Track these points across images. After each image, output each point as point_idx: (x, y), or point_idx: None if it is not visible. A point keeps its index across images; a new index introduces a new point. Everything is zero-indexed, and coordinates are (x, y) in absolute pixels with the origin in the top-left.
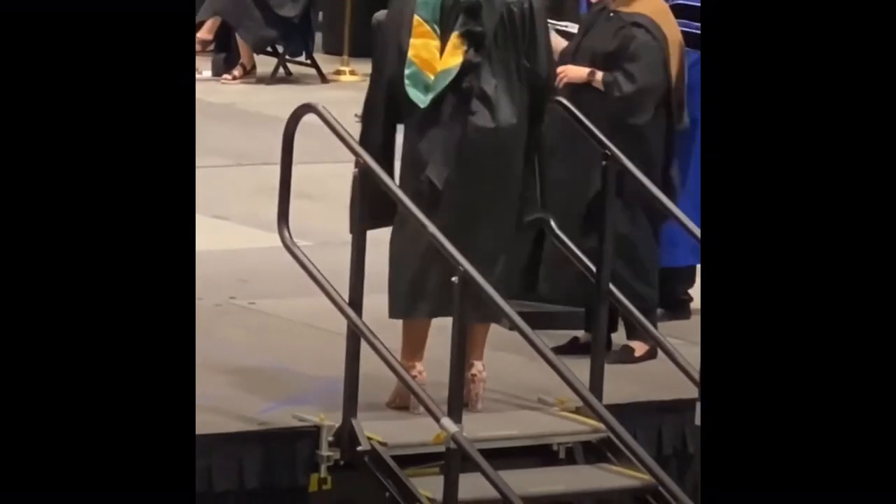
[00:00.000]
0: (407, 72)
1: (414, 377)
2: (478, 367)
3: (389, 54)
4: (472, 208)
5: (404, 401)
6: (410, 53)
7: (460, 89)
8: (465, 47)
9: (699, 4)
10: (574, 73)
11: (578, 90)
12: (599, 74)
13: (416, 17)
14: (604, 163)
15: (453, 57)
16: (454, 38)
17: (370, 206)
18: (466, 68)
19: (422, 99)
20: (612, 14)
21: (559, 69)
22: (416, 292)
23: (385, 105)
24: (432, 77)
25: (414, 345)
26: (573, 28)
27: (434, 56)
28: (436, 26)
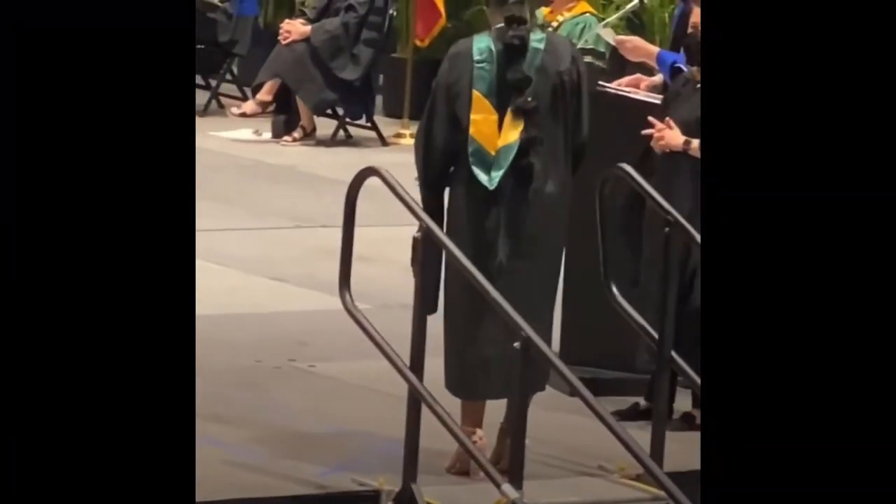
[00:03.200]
0: (470, 149)
1: (475, 443)
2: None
3: (441, 124)
4: (526, 281)
5: (464, 466)
6: (472, 130)
7: (518, 166)
8: (520, 122)
9: None
10: (672, 138)
11: (671, 156)
12: (696, 142)
13: (476, 92)
14: (666, 229)
15: (511, 132)
16: (510, 113)
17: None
18: (524, 145)
19: (486, 179)
20: (699, 84)
21: (657, 130)
22: (476, 373)
23: (439, 176)
24: (493, 153)
25: (473, 411)
26: (651, 98)
27: (494, 132)
28: (494, 100)
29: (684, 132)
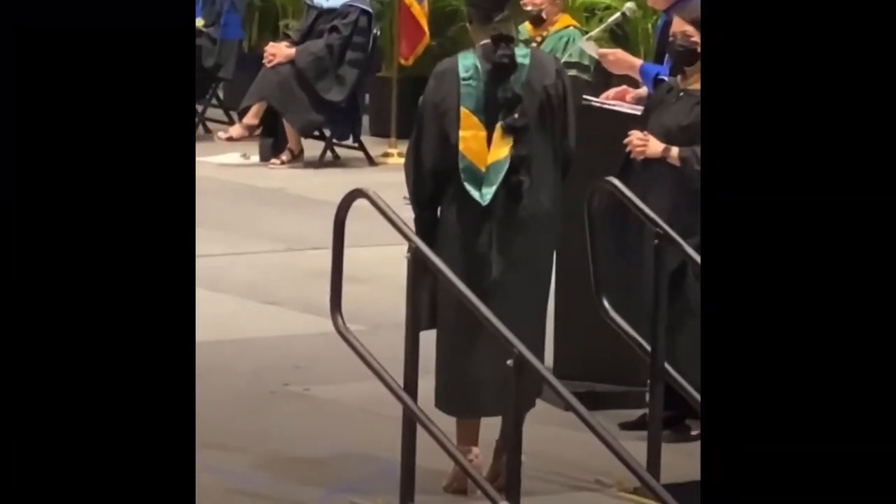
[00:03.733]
0: (461, 165)
1: (471, 461)
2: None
3: (430, 143)
4: (519, 297)
5: (461, 485)
6: (461, 147)
7: (509, 182)
8: (510, 139)
9: None
10: (652, 147)
11: (649, 164)
12: (675, 150)
13: (464, 109)
14: (655, 241)
15: (501, 149)
16: (499, 129)
17: (430, 305)
18: (515, 162)
19: (478, 195)
20: (682, 93)
21: (636, 140)
22: (470, 391)
23: (431, 194)
24: (483, 169)
25: (468, 429)
26: (636, 110)
27: (483, 148)
28: (482, 117)
29: (665, 140)
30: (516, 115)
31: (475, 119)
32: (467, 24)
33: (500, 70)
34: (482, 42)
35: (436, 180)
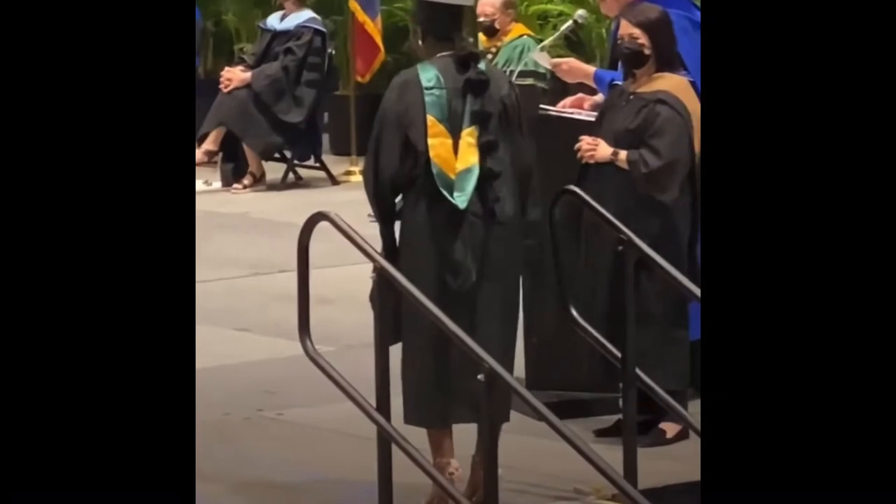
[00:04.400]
0: (434, 171)
1: (451, 474)
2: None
3: (391, 152)
4: (491, 305)
5: (443, 501)
6: (431, 154)
7: (481, 192)
8: (477, 151)
9: None
10: (601, 151)
11: (602, 169)
12: (623, 153)
13: (430, 117)
14: (620, 247)
15: (469, 157)
16: (464, 138)
17: (394, 319)
18: (485, 174)
19: (454, 200)
20: (632, 96)
21: (585, 145)
22: (438, 399)
23: (391, 205)
24: (453, 177)
25: (443, 440)
26: (585, 116)
27: (451, 155)
28: (447, 126)
29: (614, 144)
30: (489, 131)
31: (441, 127)
32: (417, 41)
33: (475, 86)
34: (439, 55)
35: (395, 191)
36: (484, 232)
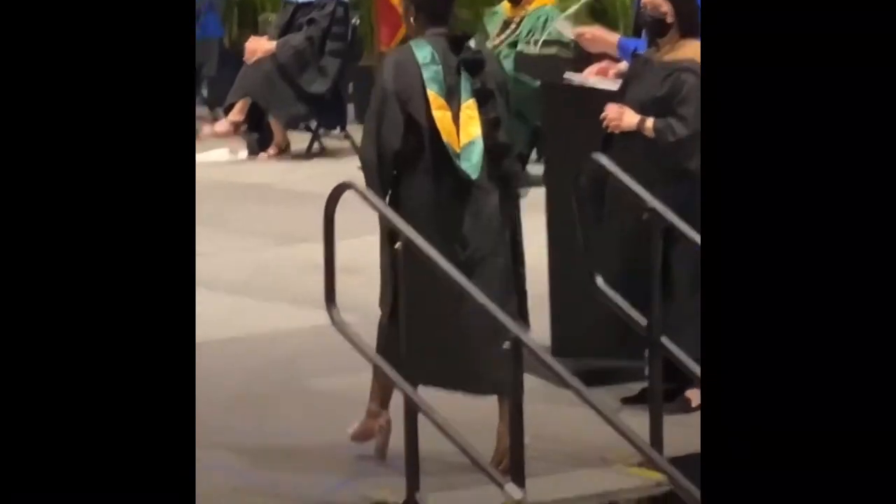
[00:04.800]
0: (445, 142)
1: (381, 426)
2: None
3: (394, 127)
4: (493, 273)
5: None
6: (438, 126)
7: (491, 163)
8: (477, 112)
9: None
10: (627, 119)
11: (627, 137)
12: (650, 121)
13: (431, 92)
14: (645, 216)
15: (472, 127)
16: (465, 108)
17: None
18: (500, 149)
19: (464, 170)
20: (656, 64)
21: (611, 113)
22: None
23: (390, 178)
24: (458, 149)
25: (384, 390)
26: (609, 85)
27: (453, 128)
28: (446, 99)
29: (640, 112)
30: (493, 107)
31: (442, 100)
32: (409, 18)
33: (471, 65)
34: (431, 33)
35: (396, 166)
36: (488, 202)
